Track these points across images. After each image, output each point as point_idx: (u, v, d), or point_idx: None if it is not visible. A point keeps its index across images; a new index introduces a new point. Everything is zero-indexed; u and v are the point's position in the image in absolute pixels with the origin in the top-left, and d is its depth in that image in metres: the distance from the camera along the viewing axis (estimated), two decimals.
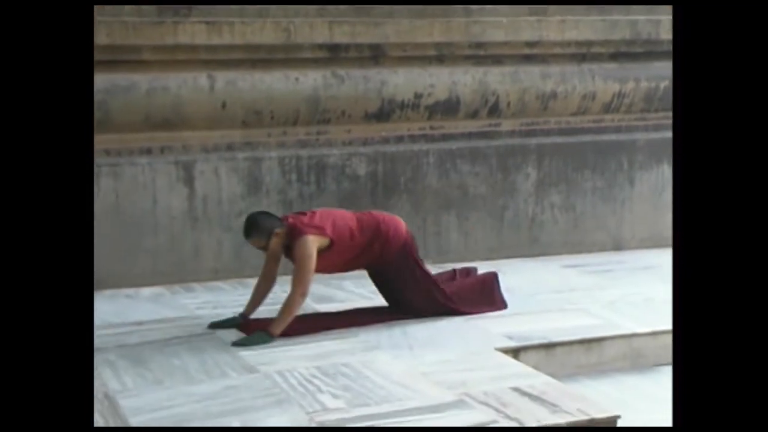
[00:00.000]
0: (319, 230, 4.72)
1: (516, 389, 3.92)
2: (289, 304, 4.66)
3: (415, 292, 4.97)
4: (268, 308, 5.13)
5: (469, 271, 5.55)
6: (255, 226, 4.75)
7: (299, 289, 4.65)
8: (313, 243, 4.68)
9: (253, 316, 4.91)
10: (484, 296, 5.17)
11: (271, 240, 4.72)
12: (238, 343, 4.56)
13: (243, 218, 5.87)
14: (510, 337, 4.68)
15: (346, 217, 4.91)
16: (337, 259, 4.82)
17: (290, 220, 4.79)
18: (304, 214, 4.88)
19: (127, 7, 5.72)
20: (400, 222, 5.01)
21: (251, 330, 4.70)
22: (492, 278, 5.26)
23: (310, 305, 5.25)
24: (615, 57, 6.87)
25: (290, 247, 4.73)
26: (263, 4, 5.96)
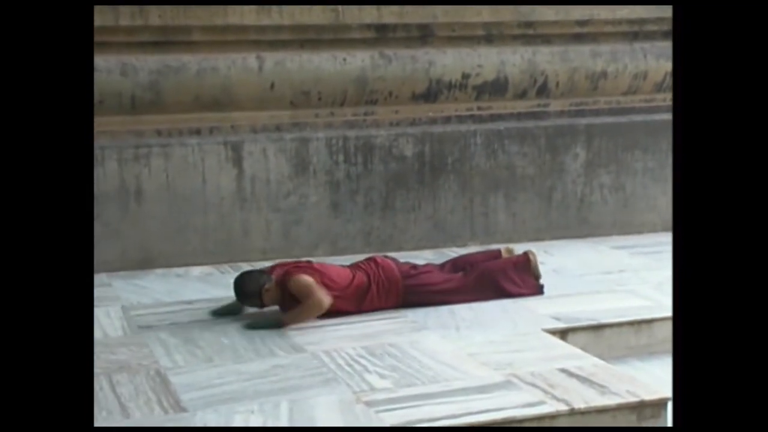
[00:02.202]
0: (310, 270, 4.64)
1: (564, 370, 3.91)
2: (307, 307, 4.56)
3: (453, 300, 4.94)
4: None
5: (496, 255, 5.35)
6: (242, 292, 4.67)
7: (310, 299, 4.54)
8: (306, 277, 4.58)
9: None
10: (518, 277, 5.10)
11: (264, 297, 4.62)
12: (251, 326, 4.55)
13: (291, 199, 5.97)
14: (558, 318, 4.66)
15: (341, 269, 4.82)
16: (346, 305, 4.73)
17: (277, 269, 4.71)
18: (298, 262, 4.81)
19: None
20: (390, 265, 4.87)
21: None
22: (525, 260, 5.17)
23: None
24: (668, 35, 6.76)
25: (283, 298, 4.65)
26: None
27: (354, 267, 4.87)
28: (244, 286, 4.68)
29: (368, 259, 4.94)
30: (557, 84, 6.59)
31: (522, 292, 5.02)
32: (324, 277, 4.67)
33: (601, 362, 4.06)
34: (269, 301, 4.67)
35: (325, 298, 4.57)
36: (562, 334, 4.52)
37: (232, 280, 5.40)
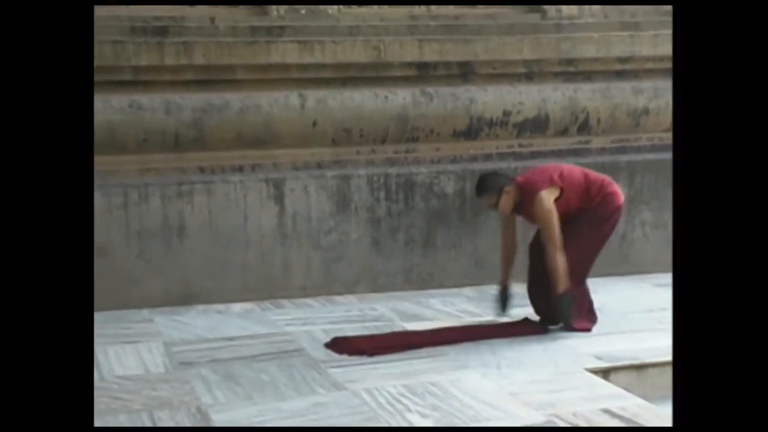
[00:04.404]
0: (550, 181, 4.99)
1: (607, 411, 3.86)
2: (553, 266, 4.91)
3: (571, 257, 5.01)
4: (359, 325, 5.18)
5: None
6: (485, 185, 5.11)
7: (553, 247, 4.90)
8: (549, 197, 4.94)
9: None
10: (582, 309, 5.15)
11: (501, 198, 5.03)
12: (558, 313, 4.98)
13: (332, 235, 5.98)
14: (600, 357, 4.61)
15: (574, 169, 5.18)
16: (562, 208, 4.99)
17: (519, 179, 5.10)
18: (530, 171, 5.20)
19: (222, 27, 5.86)
20: (620, 193, 5.16)
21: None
22: (584, 290, 5.21)
23: (398, 323, 5.27)
24: None
25: (521, 204, 5.05)
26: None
27: (586, 176, 5.11)
28: (488, 180, 5.13)
29: (601, 184, 5.11)
30: (598, 121, 6.57)
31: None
32: (563, 181, 5.00)
33: (645, 403, 4.01)
34: (505, 204, 5.07)
35: (559, 238, 4.89)
36: (605, 373, 4.47)
37: (273, 316, 5.44)
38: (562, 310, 4.96)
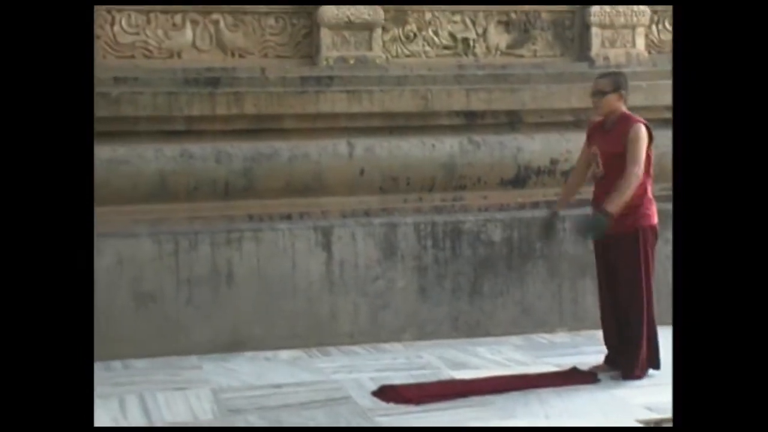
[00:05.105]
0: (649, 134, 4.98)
1: None
2: (625, 183, 4.87)
3: (630, 296, 5.10)
4: (406, 373, 5.16)
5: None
6: (615, 74, 5.16)
7: (634, 167, 4.87)
8: (646, 134, 4.95)
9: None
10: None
11: (611, 95, 5.00)
12: (579, 227, 5.17)
13: (379, 283, 6.00)
14: (650, 409, 4.55)
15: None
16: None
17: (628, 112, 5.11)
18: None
19: (272, 78, 5.97)
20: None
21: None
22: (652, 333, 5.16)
23: (445, 371, 5.25)
24: None
25: (611, 124, 5.03)
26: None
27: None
28: (621, 75, 5.14)
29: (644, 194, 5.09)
30: None
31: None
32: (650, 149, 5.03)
33: None
34: (608, 102, 5.01)
35: (641, 170, 4.93)
36: (657, 424, 4.40)
37: (320, 364, 5.46)
38: (592, 223, 4.96)
